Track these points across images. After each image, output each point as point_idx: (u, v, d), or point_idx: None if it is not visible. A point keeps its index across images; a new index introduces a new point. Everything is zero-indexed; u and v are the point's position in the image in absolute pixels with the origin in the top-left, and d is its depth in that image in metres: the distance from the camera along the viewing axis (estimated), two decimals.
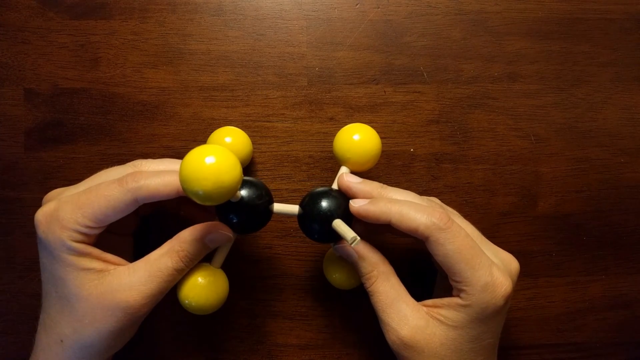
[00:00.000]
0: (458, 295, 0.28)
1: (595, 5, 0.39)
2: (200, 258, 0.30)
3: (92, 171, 0.32)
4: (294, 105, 0.37)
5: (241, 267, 0.36)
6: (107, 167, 0.31)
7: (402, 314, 0.29)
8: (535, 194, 0.38)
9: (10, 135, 0.37)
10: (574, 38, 0.38)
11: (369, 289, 0.30)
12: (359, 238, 0.27)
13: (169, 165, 0.31)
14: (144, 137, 0.37)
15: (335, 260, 0.33)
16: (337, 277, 0.33)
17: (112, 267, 0.29)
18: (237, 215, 0.29)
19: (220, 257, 0.31)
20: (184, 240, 0.29)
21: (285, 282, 0.37)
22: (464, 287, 0.28)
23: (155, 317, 0.36)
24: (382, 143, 0.37)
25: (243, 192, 0.29)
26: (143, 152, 0.37)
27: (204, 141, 0.37)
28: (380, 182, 0.32)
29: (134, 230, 0.34)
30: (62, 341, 0.28)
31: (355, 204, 0.30)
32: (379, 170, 0.37)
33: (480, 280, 0.28)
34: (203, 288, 0.30)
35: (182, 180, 0.24)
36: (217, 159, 0.24)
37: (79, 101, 0.37)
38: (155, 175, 0.28)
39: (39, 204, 0.36)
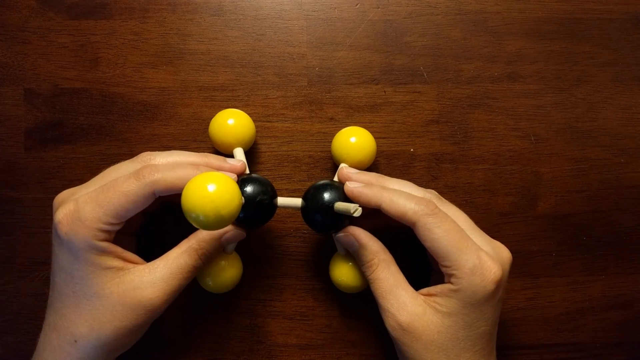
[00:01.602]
0: (449, 281, 0.29)
1: (595, 5, 0.39)
2: (216, 255, 0.32)
3: (92, 171, 0.32)
4: (294, 105, 0.37)
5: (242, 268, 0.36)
6: (107, 167, 0.31)
7: (401, 300, 0.30)
8: (535, 194, 0.38)
9: (10, 135, 0.37)
10: (574, 38, 0.38)
11: (370, 277, 0.31)
12: (360, 208, 0.28)
13: (177, 157, 0.31)
14: (144, 137, 0.37)
15: (342, 262, 0.34)
16: (344, 279, 0.34)
17: (131, 265, 0.29)
18: (243, 211, 0.30)
19: (231, 244, 0.33)
20: (202, 239, 0.30)
21: (285, 282, 0.37)
22: (453, 272, 0.29)
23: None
24: (382, 143, 0.37)
25: (248, 189, 0.30)
26: None
27: (204, 141, 0.37)
28: None
29: (136, 231, 0.35)
30: (76, 341, 0.28)
31: (351, 185, 0.31)
32: (379, 170, 0.37)
33: (468, 262, 0.28)
34: (222, 269, 0.33)
35: (184, 210, 0.25)
36: (216, 199, 0.25)
37: (79, 101, 0.37)
38: (171, 169, 0.29)
39: (39, 204, 0.36)
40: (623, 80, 0.38)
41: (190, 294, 0.36)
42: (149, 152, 0.31)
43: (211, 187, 0.25)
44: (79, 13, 0.37)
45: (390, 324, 0.30)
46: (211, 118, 0.35)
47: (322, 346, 0.36)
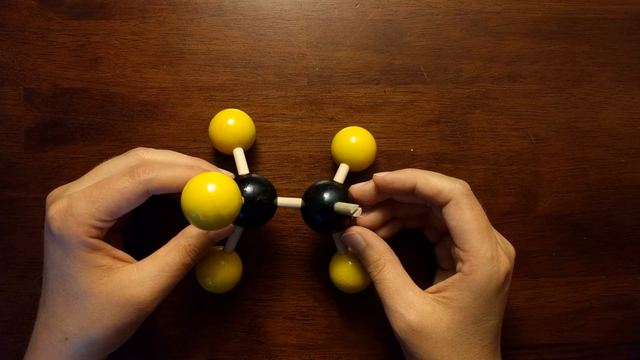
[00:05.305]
0: (461, 270, 0.29)
1: (595, 5, 0.39)
2: (206, 251, 0.31)
3: None
4: (294, 105, 0.37)
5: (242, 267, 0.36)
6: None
7: (409, 300, 0.29)
8: (535, 194, 0.38)
9: (10, 135, 0.37)
10: (574, 38, 0.38)
11: (376, 277, 0.31)
12: (360, 209, 0.28)
13: (172, 157, 0.31)
14: (144, 137, 0.37)
15: (342, 262, 0.34)
16: (344, 279, 0.34)
17: (120, 264, 0.29)
18: (243, 211, 0.30)
19: (231, 244, 0.33)
20: (190, 235, 0.30)
21: (285, 282, 0.37)
22: (470, 258, 0.28)
23: (155, 317, 0.36)
24: (382, 143, 0.37)
25: (248, 189, 0.30)
26: None
27: (204, 141, 0.37)
28: None
29: (124, 227, 0.35)
30: (67, 339, 0.28)
31: (380, 174, 0.31)
32: (379, 170, 0.37)
33: (487, 252, 0.28)
34: (222, 269, 0.33)
35: (184, 210, 0.25)
36: (215, 200, 0.25)
37: (79, 101, 0.37)
38: (166, 168, 0.29)
39: (39, 204, 0.36)
40: (623, 80, 0.38)
41: (190, 294, 0.36)
42: (142, 148, 0.31)
43: (211, 187, 0.25)
44: (79, 13, 0.37)
45: (398, 325, 0.29)
46: (211, 118, 0.35)
47: (322, 346, 0.36)
